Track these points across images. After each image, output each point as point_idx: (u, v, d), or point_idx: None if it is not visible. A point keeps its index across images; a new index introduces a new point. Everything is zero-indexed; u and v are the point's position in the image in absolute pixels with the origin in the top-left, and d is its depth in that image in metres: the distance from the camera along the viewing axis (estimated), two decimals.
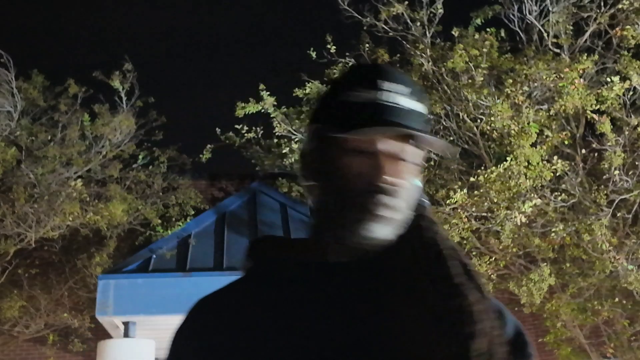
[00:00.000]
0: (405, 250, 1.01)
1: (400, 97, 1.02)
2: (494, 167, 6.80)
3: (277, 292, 1.02)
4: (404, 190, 1.01)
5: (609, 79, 6.88)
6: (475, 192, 6.84)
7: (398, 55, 8.23)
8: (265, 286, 1.05)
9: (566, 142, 7.33)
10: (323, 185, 1.04)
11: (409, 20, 7.93)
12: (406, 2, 7.83)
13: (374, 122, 0.99)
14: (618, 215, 7.04)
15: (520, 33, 7.90)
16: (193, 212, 9.30)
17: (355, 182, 1.00)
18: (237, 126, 9.08)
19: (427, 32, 7.86)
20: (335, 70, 8.08)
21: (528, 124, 6.77)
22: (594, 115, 6.94)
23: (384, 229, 1.00)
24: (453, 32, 7.63)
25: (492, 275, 7.40)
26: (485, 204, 6.81)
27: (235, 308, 1.03)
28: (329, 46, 8.03)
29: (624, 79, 6.80)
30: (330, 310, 0.98)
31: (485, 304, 0.95)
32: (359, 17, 8.03)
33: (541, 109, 7.18)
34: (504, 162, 6.67)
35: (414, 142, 1.03)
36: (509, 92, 6.94)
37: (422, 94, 1.07)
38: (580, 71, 6.90)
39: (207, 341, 1.01)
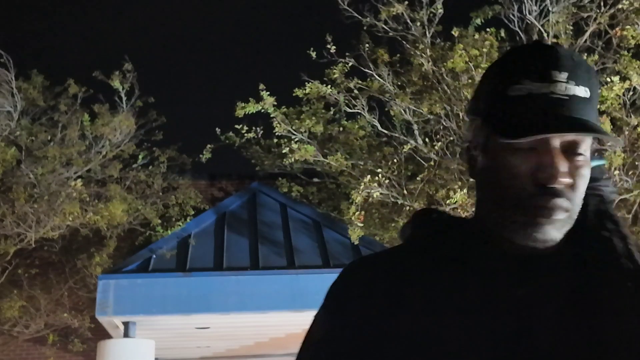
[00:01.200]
0: (587, 252, 0.96)
1: (573, 86, 0.92)
2: None
3: (442, 267, 0.97)
4: (578, 188, 0.94)
5: (608, 79, 6.88)
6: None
7: (398, 55, 8.24)
8: (430, 258, 0.99)
9: None
10: (487, 182, 0.97)
11: (409, 20, 7.93)
12: (406, 2, 7.83)
13: (545, 126, 0.89)
14: (618, 215, 7.04)
15: (520, 33, 7.90)
16: (193, 212, 9.30)
17: (525, 182, 0.92)
18: (237, 126, 9.08)
19: (427, 32, 7.86)
20: (335, 70, 8.08)
21: None
22: None
23: (556, 231, 0.93)
24: (453, 32, 7.63)
25: None
26: None
27: (399, 271, 0.99)
28: (329, 46, 8.03)
29: (623, 79, 6.80)
30: (498, 301, 0.92)
31: None
32: (359, 17, 8.02)
33: None
34: None
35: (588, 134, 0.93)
36: None
37: (591, 70, 0.95)
38: None
39: (367, 295, 0.98)
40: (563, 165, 0.92)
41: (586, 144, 0.94)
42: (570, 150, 0.92)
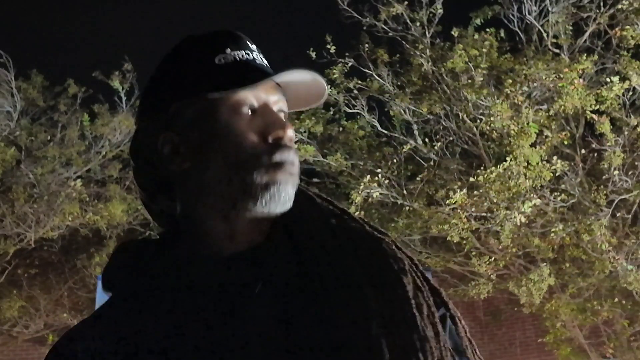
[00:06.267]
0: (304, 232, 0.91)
1: (261, 56, 0.97)
2: (493, 168, 6.80)
3: (167, 298, 0.88)
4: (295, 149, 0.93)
5: (608, 79, 6.88)
6: (475, 192, 6.85)
7: (398, 55, 8.24)
8: (152, 296, 0.89)
9: (566, 142, 7.33)
10: (209, 162, 0.90)
11: (408, 21, 7.94)
12: (406, 3, 7.83)
13: (265, 74, 0.91)
14: (617, 215, 7.04)
15: (520, 33, 7.90)
16: None
17: (256, 142, 0.89)
18: None
19: (427, 32, 7.86)
20: (334, 70, 8.08)
21: (527, 124, 6.78)
22: (594, 116, 6.94)
23: (292, 189, 0.90)
24: (453, 33, 7.64)
25: (491, 275, 7.41)
26: (485, 204, 6.81)
27: (118, 330, 0.88)
28: (328, 46, 8.03)
29: (623, 79, 6.80)
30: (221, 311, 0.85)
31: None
32: (359, 17, 8.03)
33: (541, 109, 7.18)
34: (504, 163, 6.67)
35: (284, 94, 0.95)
36: (509, 92, 6.94)
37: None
38: (580, 71, 6.90)
39: None
40: (284, 120, 0.92)
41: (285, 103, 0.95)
42: (282, 110, 0.94)
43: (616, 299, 7.31)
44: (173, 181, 0.94)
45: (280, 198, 0.89)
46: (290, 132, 0.91)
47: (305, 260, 0.89)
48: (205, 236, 0.91)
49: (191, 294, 0.87)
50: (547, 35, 7.54)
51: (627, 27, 7.03)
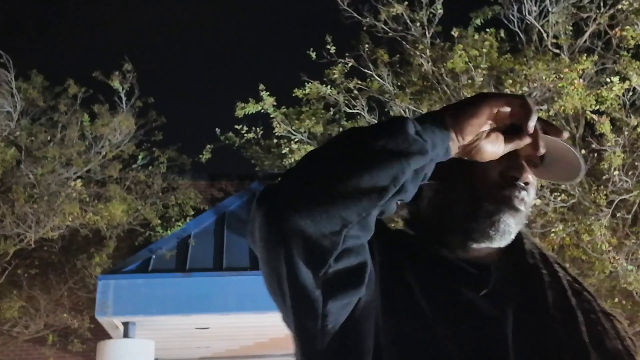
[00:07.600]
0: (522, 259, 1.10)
1: None
2: None
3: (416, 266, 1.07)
4: (532, 192, 1.08)
5: (608, 80, 6.88)
6: None
7: (398, 55, 8.24)
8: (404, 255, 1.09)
9: None
10: (456, 184, 1.07)
11: (408, 21, 7.93)
12: (406, 3, 7.83)
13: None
14: (617, 215, 7.04)
15: (520, 33, 7.90)
16: (193, 213, 9.30)
17: (495, 176, 1.05)
18: (236, 126, 9.08)
19: (427, 33, 7.85)
20: (334, 71, 8.08)
21: None
22: (594, 116, 6.94)
23: (514, 225, 1.06)
24: (453, 33, 7.63)
25: None
26: None
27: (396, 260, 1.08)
28: (328, 46, 8.03)
29: (623, 79, 6.80)
30: (464, 303, 1.02)
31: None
32: (359, 17, 8.02)
33: (541, 110, 7.18)
34: None
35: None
36: (509, 92, 6.94)
37: None
38: (580, 71, 6.90)
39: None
40: (528, 169, 1.07)
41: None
42: (530, 164, 1.08)
43: (616, 299, 7.31)
44: (421, 194, 1.11)
45: (499, 229, 1.04)
46: (528, 176, 1.05)
47: (526, 286, 1.06)
48: (444, 241, 1.09)
49: (427, 275, 1.04)
50: (547, 36, 7.54)
51: (627, 27, 7.03)
